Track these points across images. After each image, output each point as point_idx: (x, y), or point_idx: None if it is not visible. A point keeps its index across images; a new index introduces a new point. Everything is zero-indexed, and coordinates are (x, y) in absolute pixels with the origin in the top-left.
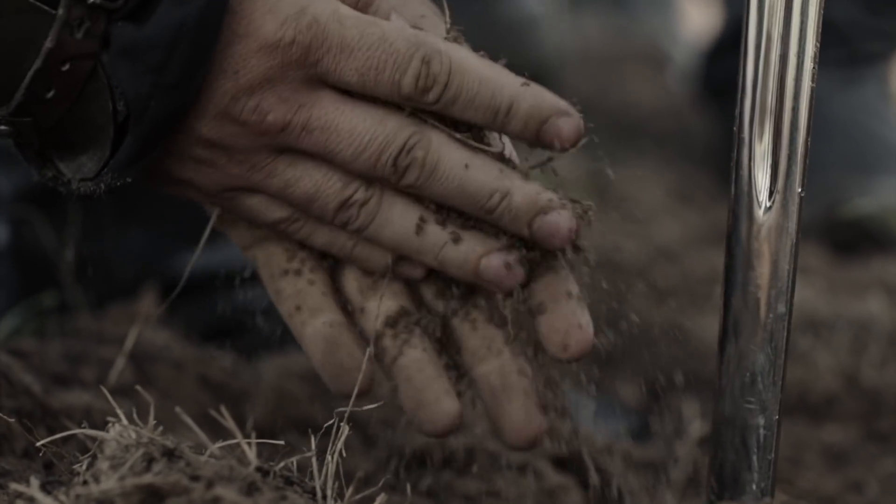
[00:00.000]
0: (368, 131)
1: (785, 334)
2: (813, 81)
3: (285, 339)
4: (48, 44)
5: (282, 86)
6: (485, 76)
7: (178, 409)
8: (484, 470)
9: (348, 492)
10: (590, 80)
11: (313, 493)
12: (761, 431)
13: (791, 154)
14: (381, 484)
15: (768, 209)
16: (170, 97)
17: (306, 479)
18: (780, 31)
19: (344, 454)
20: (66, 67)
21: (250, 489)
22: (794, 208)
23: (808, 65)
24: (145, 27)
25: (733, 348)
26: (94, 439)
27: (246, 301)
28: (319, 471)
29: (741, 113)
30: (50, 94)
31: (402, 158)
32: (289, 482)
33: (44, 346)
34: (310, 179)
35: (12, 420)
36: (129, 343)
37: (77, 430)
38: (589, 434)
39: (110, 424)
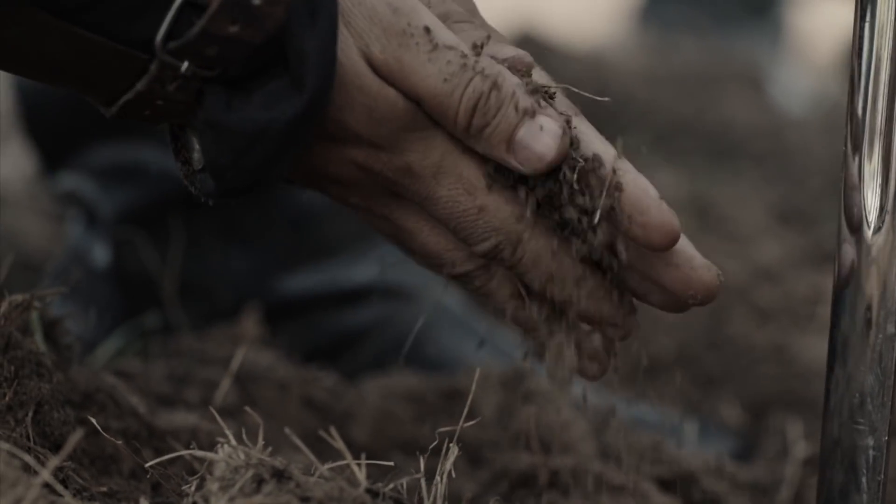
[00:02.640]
0: (444, 251)
1: (894, 355)
2: None
3: (387, 359)
4: (139, 87)
5: (368, 189)
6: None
7: (287, 430)
8: (589, 491)
9: None
10: (688, 100)
11: None
12: (871, 452)
13: None
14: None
15: (878, 229)
16: (249, 175)
17: (415, 501)
18: (891, 50)
19: (453, 475)
20: (160, 103)
21: None
22: None
23: None
24: (234, 113)
25: (842, 370)
26: (201, 461)
27: (349, 322)
28: (429, 492)
29: (850, 133)
30: (147, 113)
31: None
32: (398, 503)
33: (148, 368)
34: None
35: (119, 441)
36: (235, 364)
37: (185, 452)
38: (694, 455)
39: (219, 445)
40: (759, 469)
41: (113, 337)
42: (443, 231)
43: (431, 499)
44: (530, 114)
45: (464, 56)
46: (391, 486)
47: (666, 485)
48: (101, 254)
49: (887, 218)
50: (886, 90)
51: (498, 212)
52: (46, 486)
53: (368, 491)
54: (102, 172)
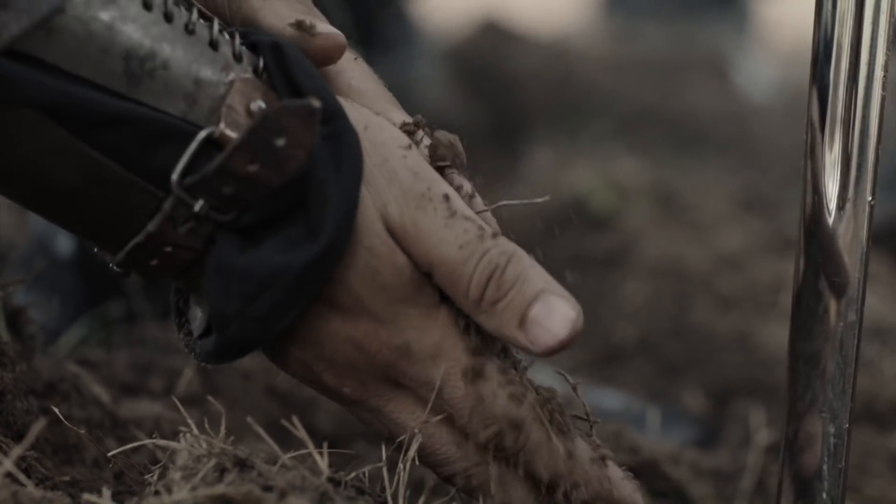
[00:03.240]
0: (440, 446)
1: (855, 343)
2: (883, 90)
3: None
4: (150, 227)
5: (363, 374)
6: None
7: (249, 419)
8: None
9: (419, 501)
10: (652, 88)
11: (385, 502)
12: (831, 440)
13: (861, 163)
14: (451, 493)
15: (839, 218)
16: (253, 328)
17: (377, 489)
18: (851, 39)
19: (416, 463)
20: (168, 249)
21: (322, 499)
22: (864, 217)
23: (878, 73)
24: (246, 256)
25: (803, 358)
26: (164, 450)
27: None
28: (391, 480)
29: (811, 121)
30: (153, 263)
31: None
32: (360, 492)
33: (111, 357)
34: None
35: (82, 430)
36: None
37: (148, 441)
38: (657, 442)
39: (181, 435)
40: (721, 456)
41: (76, 326)
42: (437, 425)
43: (393, 487)
44: (545, 292)
45: (481, 228)
46: (353, 474)
47: (629, 472)
48: (64, 243)
49: (848, 206)
50: (846, 78)
51: (497, 397)
52: (9, 475)
53: (330, 479)
54: None
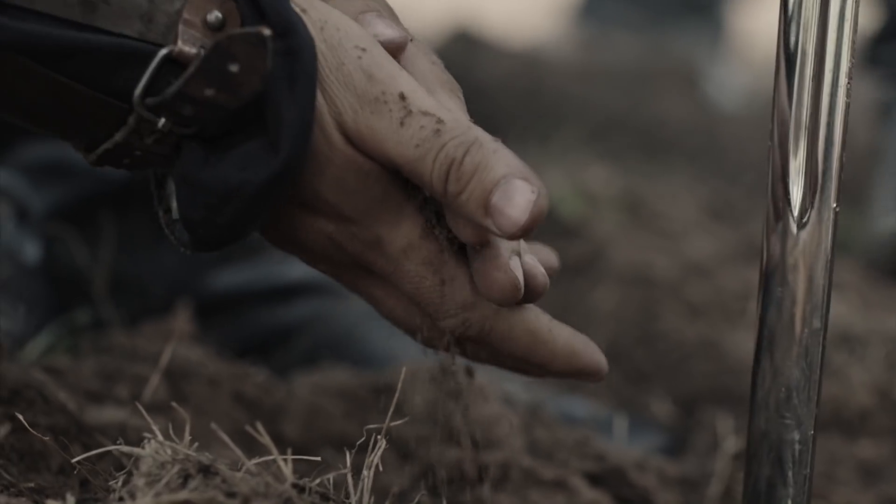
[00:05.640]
0: (413, 322)
1: (820, 350)
2: (848, 97)
3: (318, 355)
4: (118, 137)
5: (336, 261)
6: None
7: (213, 426)
8: (518, 486)
9: None
10: (623, 96)
11: None
12: (796, 447)
13: (826, 170)
14: (416, 500)
15: (803, 225)
16: (220, 232)
17: (342, 496)
18: (815, 46)
19: (380, 469)
20: (138, 154)
21: None
22: (829, 224)
23: (843, 80)
24: (208, 170)
25: (768, 364)
26: (129, 456)
27: (281, 318)
28: (355, 487)
29: (775, 129)
30: (126, 162)
31: None
32: (325, 498)
33: (78, 364)
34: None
35: (47, 437)
36: (164, 360)
37: (112, 447)
38: (624, 450)
39: (146, 441)
40: (689, 464)
41: (43, 333)
42: (411, 304)
43: (358, 493)
44: (508, 177)
45: (440, 122)
46: (318, 481)
47: (595, 479)
48: (31, 250)
49: (812, 213)
50: (811, 86)
51: (464, 288)
52: None
53: (294, 486)
54: (33, 169)
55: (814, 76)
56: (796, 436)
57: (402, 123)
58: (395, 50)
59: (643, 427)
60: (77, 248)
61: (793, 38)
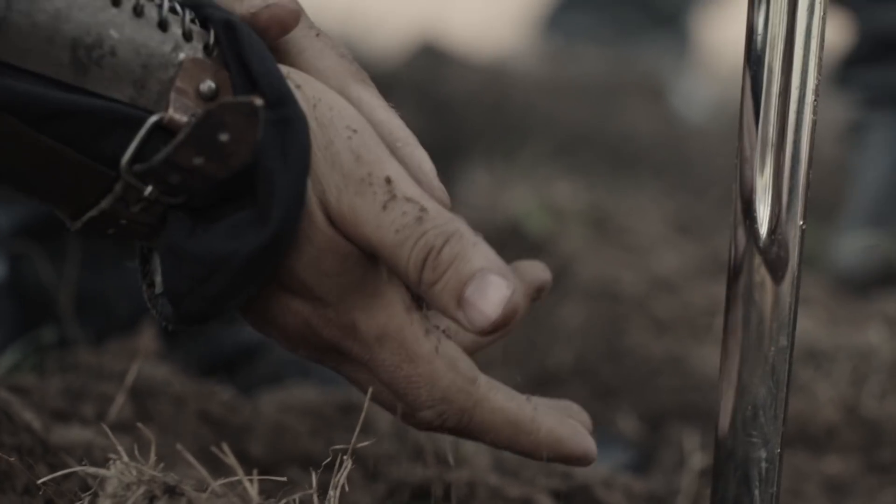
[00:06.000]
0: (396, 404)
1: (787, 368)
2: (814, 114)
3: (284, 373)
4: (104, 205)
5: (314, 345)
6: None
7: (179, 446)
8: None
9: None
10: (589, 110)
11: None
12: (763, 465)
13: (792, 187)
14: None
15: (770, 242)
16: (204, 305)
17: None
18: (781, 63)
19: (347, 488)
20: (123, 223)
21: None
22: (795, 241)
23: (810, 97)
24: (195, 239)
25: (735, 382)
26: (95, 477)
27: (246, 336)
28: None
29: (742, 145)
30: (111, 231)
31: None
32: None
33: (43, 382)
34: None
35: (12, 458)
36: (130, 379)
37: (78, 468)
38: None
39: (112, 462)
40: (655, 480)
41: (8, 351)
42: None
43: None
44: (484, 271)
45: (423, 210)
46: (284, 501)
47: (562, 497)
48: None
49: (779, 229)
50: (777, 102)
51: (441, 380)
52: None
53: None
54: None
55: (780, 93)
56: (763, 454)
57: (384, 207)
58: (285, 25)
59: (610, 443)
60: (42, 265)
61: (759, 55)
